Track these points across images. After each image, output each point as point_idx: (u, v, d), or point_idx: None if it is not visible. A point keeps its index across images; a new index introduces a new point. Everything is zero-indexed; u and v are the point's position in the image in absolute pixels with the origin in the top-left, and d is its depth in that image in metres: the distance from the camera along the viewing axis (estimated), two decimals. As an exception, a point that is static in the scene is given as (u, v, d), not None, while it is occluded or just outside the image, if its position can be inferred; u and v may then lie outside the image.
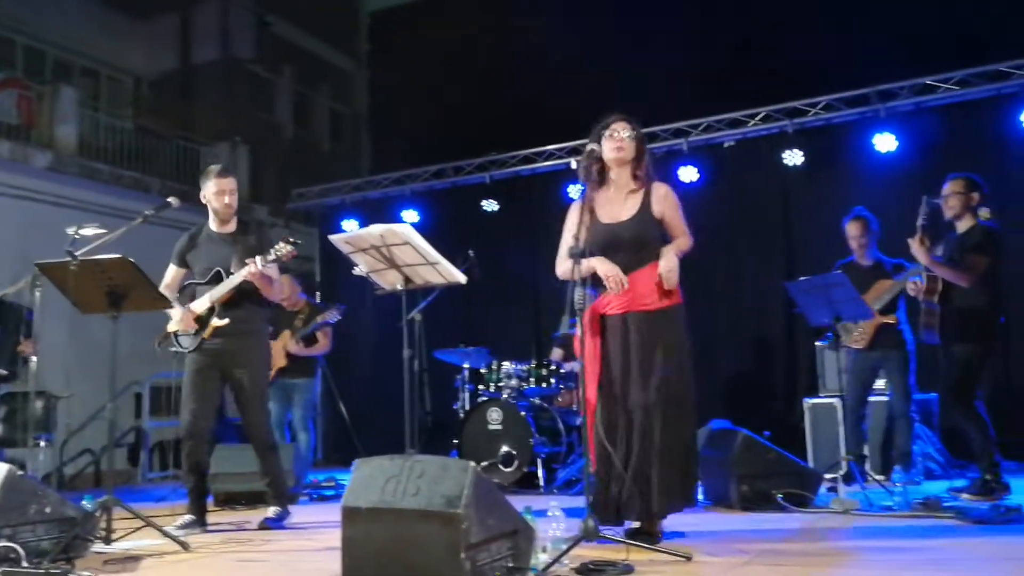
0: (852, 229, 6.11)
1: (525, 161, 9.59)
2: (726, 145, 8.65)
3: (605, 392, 3.87)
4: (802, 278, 5.97)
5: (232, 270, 4.74)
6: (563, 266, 3.85)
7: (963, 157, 7.29)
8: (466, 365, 7.36)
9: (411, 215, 9.91)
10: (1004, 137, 7.36)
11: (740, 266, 8.38)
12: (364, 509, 2.95)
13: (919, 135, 7.67)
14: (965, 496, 5.07)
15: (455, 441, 6.78)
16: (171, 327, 4.88)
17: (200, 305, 4.79)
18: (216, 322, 4.74)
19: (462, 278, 4.34)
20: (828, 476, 5.51)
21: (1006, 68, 7.43)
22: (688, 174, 8.37)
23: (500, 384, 6.99)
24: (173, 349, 4.87)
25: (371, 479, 3.00)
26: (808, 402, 6.72)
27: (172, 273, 4.99)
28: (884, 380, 6.10)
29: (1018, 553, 3.44)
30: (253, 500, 5.67)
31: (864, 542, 3.80)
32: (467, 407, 7.07)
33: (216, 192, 4.86)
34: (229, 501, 5.95)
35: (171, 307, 4.51)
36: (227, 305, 4.76)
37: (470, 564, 2.77)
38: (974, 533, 3.93)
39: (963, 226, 5.34)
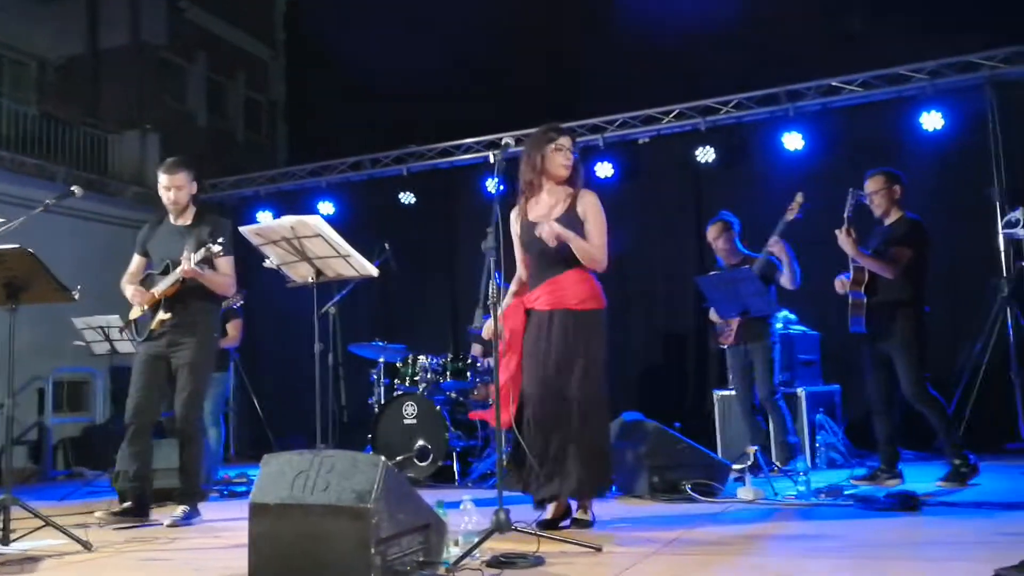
0: (710, 233, 6.23)
1: (443, 154, 9.56)
2: (641, 142, 8.76)
3: (525, 383, 3.95)
4: (712, 273, 6.12)
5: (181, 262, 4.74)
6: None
7: (867, 156, 7.50)
8: (381, 359, 7.31)
9: (327, 207, 9.80)
10: (904, 138, 7.63)
11: (653, 261, 8.50)
12: (272, 505, 2.91)
13: (825, 134, 7.90)
14: (861, 484, 5.21)
15: (369, 436, 6.74)
16: (132, 315, 4.93)
17: (157, 291, 4.82)
18: (160, 315, 4.77)
19: (374, 271, 4.32)
20: (736, 466, 5.59)
21: (906, 71, 7.71)
22: (604, 170, 8.48)
23: (416, 378, 6.96)
24: (128, 339, 4.88)
25: (280, 475, 2.96)
26: (717, 394, 6.85)
27: (135, 262, 5.04)
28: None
29: (910, 538, 3.56)
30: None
31: (769, 530, 3.89)
32: (382, 401, 7.03)
33: (162, 187, 4.91)
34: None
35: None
36: (172, 298, 4.79)
37: (380, 559, 2.75)
38: (872, 518, 4.05)
39: (890, 219, 5.43)
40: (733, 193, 7.99)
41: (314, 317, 4.40)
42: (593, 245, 4.02)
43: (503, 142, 3.98)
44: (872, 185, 5.40)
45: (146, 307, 4.85)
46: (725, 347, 6.12)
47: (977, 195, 7.30)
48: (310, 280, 4.35)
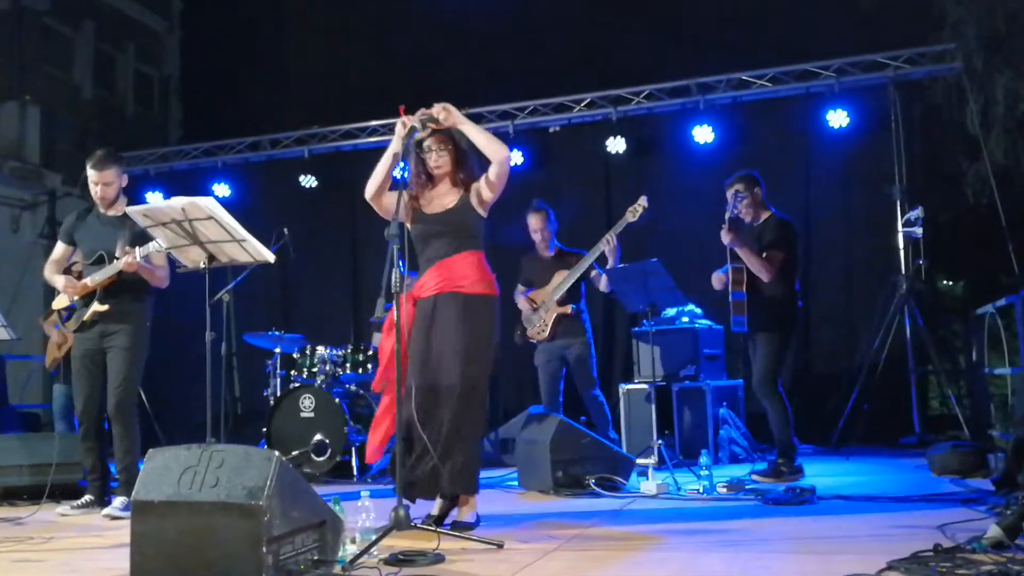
0: (534, 221, 6.34)
1: (347, 136, 9.46)
2: (552, 130, 8.83)
3: (409, 373, 3.92)
4: (620, 265, 6.18)
5: (117, 254, 4.81)
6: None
7: (775, 152, 7.83)
8: (278, 350, 7.20)
9: (222, 189, 9.63)
10: (812, 134, 7.90)
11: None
12: (157, 503, 2.85)
13: (735, 128, 8.10)
14: (759, 478, 5.39)
15: (264, 430, 6.65)
16: (58, 304, 5.08)
17: (92, 281, 4.90)
18: (96, 307, 4.87)
19: (270, 257, 4.28)
20: (640, 461, 5.72)
21: (814, 68, 7.95)
22: (513, 158, 8.47)
23: (314, 370, 6.89)
24: (57, 327, 5.00)
25: (165, 470, 2.90)
26: (624, 387, 6.97)
27: (59, 250, 5.13)
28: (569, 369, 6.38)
29: (806, 532, 3.69)
30: (36, 495, 5.30)
31: (670, 525, 3.97)
32: (278, 394, 6.95)
33: (91, 182, 4.97)
34: (8, 496, 5.53)
35: None
36: (108, 290, 4.87)
37: (272, 558, 2.72)
38: (770, 514, 4.18)
39: (759, 218, 5.66)
40: (643, 184, 8.06)
41: (206, 304, 4.33)
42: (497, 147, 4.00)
43: (408, 125, 3.94)
44: (736, 190, 5.61)
45: (76, 297, 4.95)
46: (536, 343, 6.27)
47: (879, 193, 7.56)
48: (202, 265, 4.29)
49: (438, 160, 4.13)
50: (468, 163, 4.16)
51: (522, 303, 6.33)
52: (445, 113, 3.96)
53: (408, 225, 4.10)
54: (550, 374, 6.26)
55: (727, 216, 5.47)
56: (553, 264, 6.31)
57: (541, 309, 6.23)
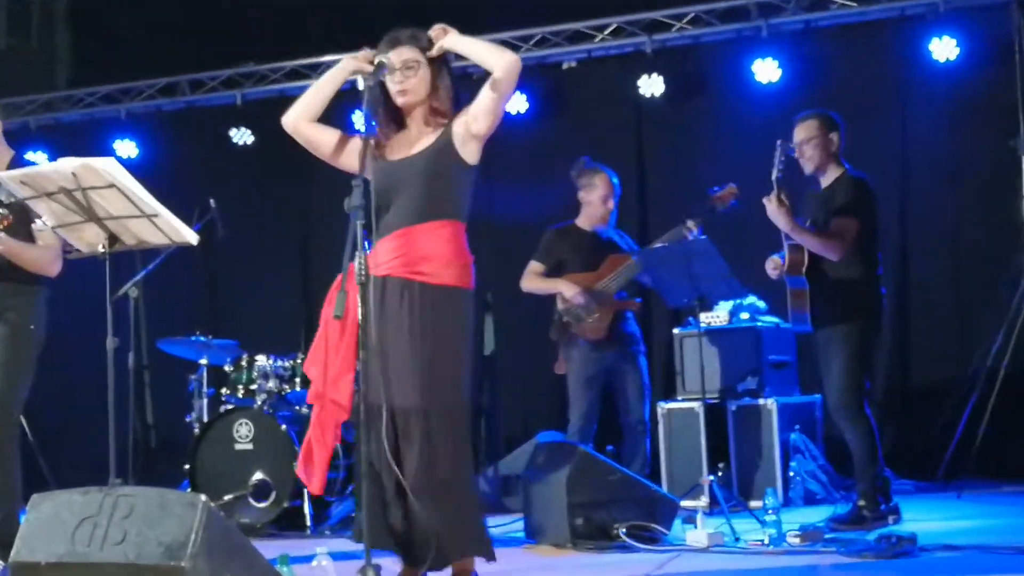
0: (598, 183, 6.45)
1: (292, 76, 9.37)
2: (565, 66, 8.79)
3: (363, 388, 3.90)
4: (657, 244, 6.24)
5: None
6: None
7: (859, 93, 7.74)
8: (204, 360, 7.22)
9: (127, 147, 9.58)
10: (909, 69, 7.82)
11: None
12: (44, 565, 2.86)
13: (807, 62, 8.03)
14: (840, 526, 5.37)
15: (187, 467, 6.66)
16: None
17: None
18: None
19: (192, 237, 4.30)
20: (686, 503, 5.76)
21: (911, -18, 7.89)
22: (515, 103, 8.45)
23: (252, 387, 6.89)
24: None
25: (55, 522, 2.94)
26: (664, 407, 6.93)
27: None
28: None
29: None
30: None
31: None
32: (205, 419, 6.97)
33: None
34: None
35: None
36: None
37: (198, 639, 2.75)
38: (857, 571, 4.19)
39: (827, 179, 5.64)
40: (686, 137, 8.11)
41: (107, 301, 4.33)
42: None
43: (375, 60, 3.93)
44: (802, 132, 5.61)
45: None
46: (579, 340, 6.30)
47: (998, 148, 7.47)
48: (100, 249, 4.28)
49: (405, 82, 3.98)
50: (449, 88, 4.07)
51: (562, 285, 6.31)
52: (441, 34, 3.96)
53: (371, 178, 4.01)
54: (593, 389, 6.30)
55: (774, 177, 5.48)
56: (606, 245, 6.38)
57: (593, 301, 6.24)
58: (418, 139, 4.04)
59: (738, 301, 6.86)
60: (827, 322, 5.49)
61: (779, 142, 5.54)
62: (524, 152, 8.11)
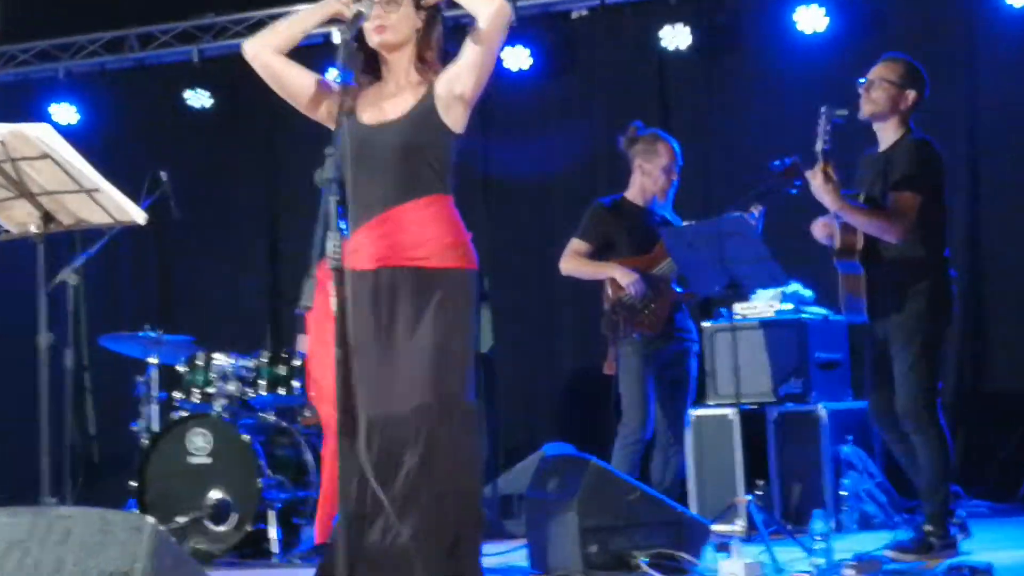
0: (661, 151, 6.40)
1: (257, 28, 9.25)
2: (575, 15, 8.73)
3: (340, 393, 3.84)
4: (685, 223, 6.21)
5: None
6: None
7: (920, 44, 7.55)
8: (154, 359, 7.24)
9: (66, 111, 9.60)
10: (980, 16, 7.72)
11: (587, 200, 7.97)
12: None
13: (859, 8, 7.96)
14: (900, 555, 5.28)
15: (133, 484, 6.67)
16: None
17: None
18: None
19: (141, 216, 4.37)
20: (718, 528, 5.71)
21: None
22: (517, 57, 8.44)
23: (210, 390, 6.88)
24: None
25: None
26: (693, 413, 6.81)
27: None
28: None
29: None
30: None
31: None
32: (154, 428, 6.99)
33: None
34: None
35: None
36: None
37: None
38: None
39: (887, 137, 5.55)
40: (717, 96, 8.09)
41: (40, 291, 4.40)
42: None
43: (352, 10, 3.88)
44: (881, 70, 5.53)
45: None
46: (632, 334, 6.26)
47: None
48: (33, 229, 4.34)
49: (384, 17, 3.95)
50: (441, 38, 4.09)
51: (616, 271, 6.24)
52: None
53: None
54: (649, 387, 6.28)
55: (819, 147, 5.36)
56: (660, 224, 6.36)
57: (649, 289, 6.19)
58: (395, 98, 4.04)
59: (780, 289, 6.74)
60: (887, 312, 5.40)
61: (823, 108, 5.43)
62: (529, 114, 8.14)
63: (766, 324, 6.83)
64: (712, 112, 8.18)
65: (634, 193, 6.46)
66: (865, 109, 5.53)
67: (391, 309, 3.94)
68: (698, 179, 7.82)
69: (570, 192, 8.25)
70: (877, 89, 5.48)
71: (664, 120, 8.27)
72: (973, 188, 7.53)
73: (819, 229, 5.63)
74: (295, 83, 4.10)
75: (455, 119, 4.00)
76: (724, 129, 7.84)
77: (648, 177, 6.39)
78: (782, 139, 7.19)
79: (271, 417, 6.92)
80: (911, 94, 5.51)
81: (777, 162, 5.91)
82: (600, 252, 6.37)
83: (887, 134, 5.54)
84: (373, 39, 3.97)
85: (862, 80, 5.50)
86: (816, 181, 5.32)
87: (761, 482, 6.41)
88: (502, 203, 7.70)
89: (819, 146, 5.38)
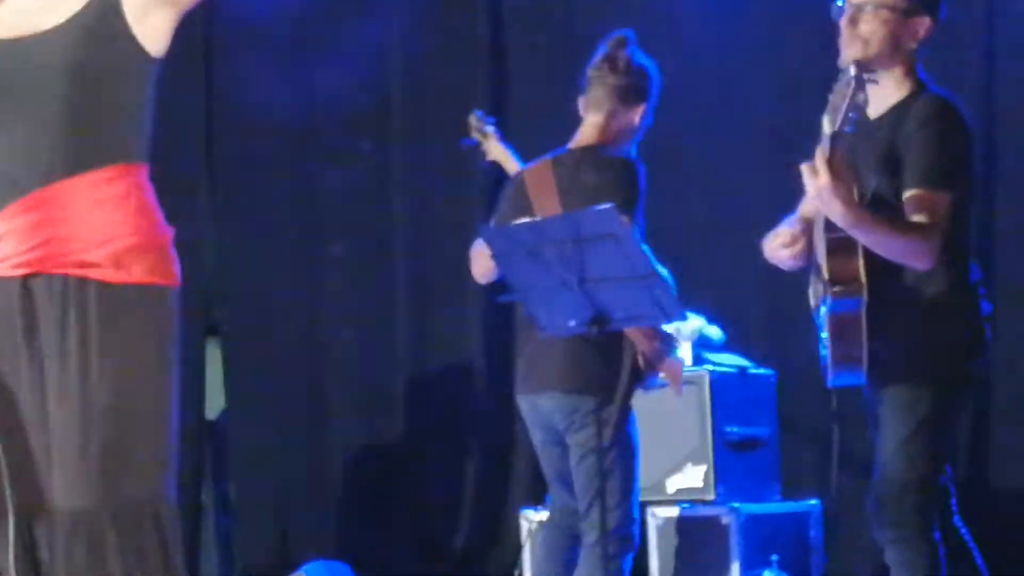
0: None
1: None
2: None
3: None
4: (525, 220, 5.44)
5: None
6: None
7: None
8: None
9: None
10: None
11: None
12: None
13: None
14: None
15: None
16: None
17: None
18: None
19: None
20: None
21: None
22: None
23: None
24: None
25: None
26: (530, 517, 6.07)
27: None
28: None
29: None
30: None
31: None
32: None
33: None
34: None
35: None
36: None
37: None
38: None
39: (885, 94, 4.45)
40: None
41: None
42: None
43: None
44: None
45: None
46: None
47: None
48: None
49: None
50: None
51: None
52: None
53: None
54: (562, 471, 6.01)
55: (830, 127, 4.19)
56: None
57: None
58: None
59: (674, 326, 5.56)
60: (892, 374, 4.41)
61: (851, 67, 4.32)
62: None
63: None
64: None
65: None
66: (848, 52, 4.45)
67: (48, 340, 3.23)
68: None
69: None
70: (869, 19, 4.43)
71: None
72: (987, 174, 6.48)
73: (779, 246, 4.51)
74: None
75: (152, 30, 3.11)
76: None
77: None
78: (692, 90, 6.28)
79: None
80: (922, 24, 4.40)
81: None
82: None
83: (885, 90, 4.43)
84: None
85: (840, 2, 4.45)
86: (821, 180, 4.19)
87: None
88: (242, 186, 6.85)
89: (831, 125, 4.21)
